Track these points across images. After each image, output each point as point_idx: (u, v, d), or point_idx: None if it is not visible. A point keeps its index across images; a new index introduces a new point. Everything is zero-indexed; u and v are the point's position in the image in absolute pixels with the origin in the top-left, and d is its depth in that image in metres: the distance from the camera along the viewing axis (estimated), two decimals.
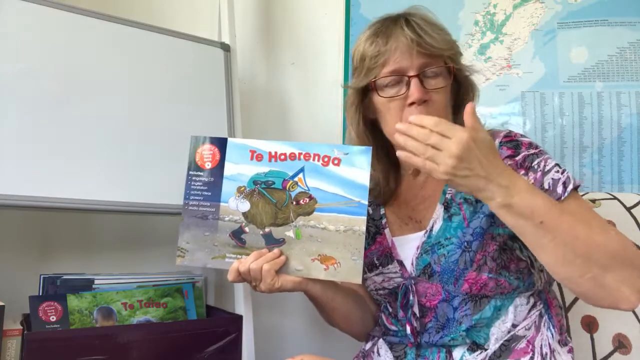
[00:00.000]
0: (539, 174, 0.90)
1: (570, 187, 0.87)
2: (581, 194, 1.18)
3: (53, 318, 1.07)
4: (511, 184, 0.79)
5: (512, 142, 0.95)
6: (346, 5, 1.63)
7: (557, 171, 0.90)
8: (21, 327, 1.04)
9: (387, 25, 0.96)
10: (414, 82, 0.92)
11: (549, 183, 0.88)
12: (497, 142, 0.95)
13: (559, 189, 0.87)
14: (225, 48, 1.47)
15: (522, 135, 0.97)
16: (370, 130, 1.03)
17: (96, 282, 1.17)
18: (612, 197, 1.16)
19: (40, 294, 1.13)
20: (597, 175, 1.36)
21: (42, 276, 1.15)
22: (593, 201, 1.16)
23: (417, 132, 0.80)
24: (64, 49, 1.22)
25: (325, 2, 1.67)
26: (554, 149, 1.40)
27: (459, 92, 1.00)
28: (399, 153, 0.84)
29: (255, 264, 0.94)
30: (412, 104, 0.92)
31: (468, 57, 1.47)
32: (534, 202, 0.79)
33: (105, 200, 1.17)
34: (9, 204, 1.07)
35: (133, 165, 1.23)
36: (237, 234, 0.99)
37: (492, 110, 1.46)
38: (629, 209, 1.13)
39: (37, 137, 1.13)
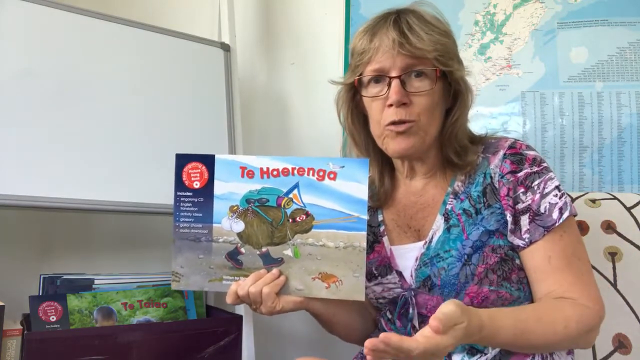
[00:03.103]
0: (537, 195, 0.90)
1: (566, 214, 0.88)
2: (581, 194, 1.19)
3: (53, 318, 1.07)
4: (478, 338, 0.80)
5: (516, 155, 0.93)
6: (346, 5, 1.63)
7: (556, 195, 0.90)
8: (21, 327, 1.04)
9: (377, 22, 0.94)
10: (394, 84, 0.90)
11: (545, 207, 0.89)
12: (500, 153, 0.94)
13: (555, 215, 0.88)
14: (225, 48, 1.47)
15: (527, 147, 0.95)
16: (362, 126, 1.02)
17: (96, 282, 1.17)
18: (612, 197, 1.16)
19: (40, 294, 1.13)
20: (597, 175, 1.36)
21: (42, 276, 1.15)
22: (593, 201, 1.16)
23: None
24: (64, 49, 1.22)
25: (325, 2, 1.67)
26: (554, 149, 1.39)
27: (452, 95, 0.96)
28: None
29: (254, 287, 0.91)
30: (390, 105, 0.91)
31: (468, 57, 1.47)
32: (500, 341, 0.83)
33: (105, 200, 1.17)
34: (9, 204, 1.08)
35: (133, 165, 1.24)
36: (233, 255, 0.95)
37: (492, 110, 1.46)
38: (629, 209, 1.13)
39: (37, 137, 1.14)
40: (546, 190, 0.90)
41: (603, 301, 0.87)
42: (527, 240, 0.89)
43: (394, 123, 0.91)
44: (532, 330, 0.83)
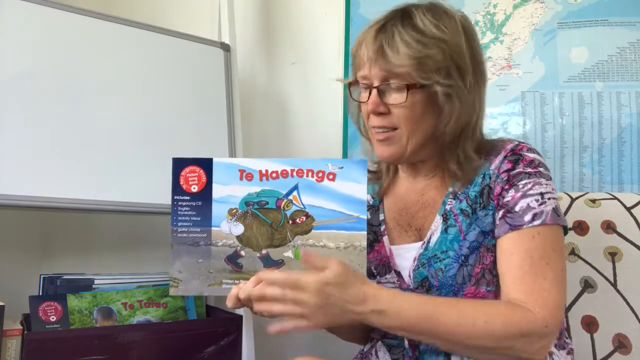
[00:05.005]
0: (518, 194, 0.88)
1: (537, 222, 0.85)
2: (581, 194, 1.19)
3: (53, 318, 1.07)
4: (379, 306, 0.81)
5: (514, 155, 0.92)
6: (346, 5, 1.63)
7: (537, 200, 0.87)
8: (21, 327, 1.04)
9: (371, 27, 0.95)
10: (372, 93, 0.92)
11: (521, 207, 0.87)
12: (502, 154, 0.93)
13: (526, 218, 0.86)
14: (225, 48, 1.47)
15: (529, 150, 0.93)
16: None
17: (96, 282, 1.17)
18: (612, 197, 1.16)
19: (40, 294, 1.13)
20: (597, 175, 1.36)
21: (42, 276, 1.15)
22: (593, 201, 1.16)
23: (271, 292, 0.82)
24: (64, 49, 1.22)
25: (325, 2, 1.67)
26: (554, 149, 1.40)
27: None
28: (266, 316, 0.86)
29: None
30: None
31: None
32: (405, 319, 0.81)
33: (104, 200, 1.17)
34: (9, 204, 1.08)
35: (133, 165, 1.24)
36: (233, 259, 0.94)
37: (492, 110, 1.46)
38: (629, 209, 1.13)
39: (37, 137, 1.14)
40: (529, 192, 0.88)
41: (560, 313, 0.83)
42: (495, 234, 0.89)
43: (375, 128, 0.94)
44: (443, 314, 0.81)
